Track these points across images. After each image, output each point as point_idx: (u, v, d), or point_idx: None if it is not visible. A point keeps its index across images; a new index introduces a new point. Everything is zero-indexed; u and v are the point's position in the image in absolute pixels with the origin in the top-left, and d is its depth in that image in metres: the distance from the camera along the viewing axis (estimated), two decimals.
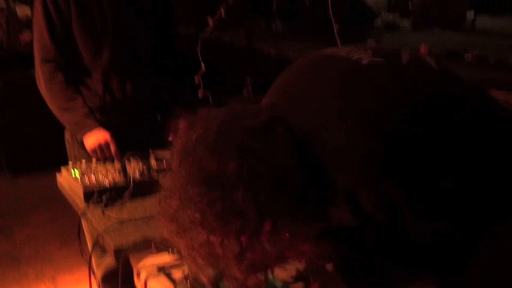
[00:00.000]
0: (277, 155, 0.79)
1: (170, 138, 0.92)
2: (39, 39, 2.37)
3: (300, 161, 0.81)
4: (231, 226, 0.80)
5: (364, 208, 0.79)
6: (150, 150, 2.30)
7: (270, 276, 1.31)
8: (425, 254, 0.81)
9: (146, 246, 1.71)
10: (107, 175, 2.09)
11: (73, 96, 2.37)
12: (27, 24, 5.33)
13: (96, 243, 1.83)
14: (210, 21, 2.92)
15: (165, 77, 2.57)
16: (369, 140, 0.78)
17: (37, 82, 2.42)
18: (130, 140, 2.41)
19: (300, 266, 1.32)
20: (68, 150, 2.53)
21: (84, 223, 2.13)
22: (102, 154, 2.32)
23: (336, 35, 2.91)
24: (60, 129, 2.50)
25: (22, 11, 5.32)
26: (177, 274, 1.51)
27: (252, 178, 0.78)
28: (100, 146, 2.33)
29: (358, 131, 0.78)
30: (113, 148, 2.32)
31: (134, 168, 2.14)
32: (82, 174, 2.10)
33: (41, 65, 2.37)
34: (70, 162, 2.23)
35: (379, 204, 0.78)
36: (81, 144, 2.39)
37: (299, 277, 1.35)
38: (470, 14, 4.49)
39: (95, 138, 2.33)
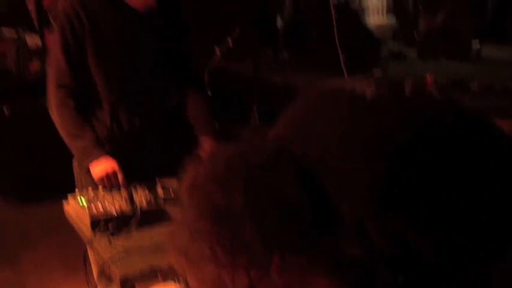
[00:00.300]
0: (282, 188, 0.80)
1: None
2: (54, 64, 2.40)
3: (306, 193, 0.81)
4: (240, 260, 0.81)
5: (371, 238, 0.79)
6: (157, 179, 2.31)
7: None
8: (436, 286, 0.81)
9: (153, 276, 1.71)
10: (113, 203, 2.09)
11: (82, 124, 2.39)
12: (37, 53, 5.40)
13: (102, 273, 1.83)
14: (218, 51, 2.95)
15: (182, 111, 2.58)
16: (372, 165, 0.79)
17: (48, 107, 2.44)
18: (138, 170, 2.42)
19: None
20: (75, 177, 2.54)
21: (90, 252, 2.13)
22: (109, 183, 2.33)
23: (342, 65, 2.94)
24: (68, 158, 2.52)
25: (32, 40, 5.39)
26: None
27: (258, 213, 0.79)
28: (107, 175, 2.33)
29: (360, 156, 0.79)
30: (120, 177, 2.33)
31: (141, 197, 2.14)
32: (89, 203, 2.11)
33: (54, 89, 2.40)
34: (77, 190, 2.24)
35: (385, 234, 0.78)
36: (88, 172, 2.41)
37: None
38: (475, 43, 4.52)
39: (102, 166, 2.34)
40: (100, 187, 2.25)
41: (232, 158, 0.84)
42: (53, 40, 2.41)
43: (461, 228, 0.81)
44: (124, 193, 2.17)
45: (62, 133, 2.40)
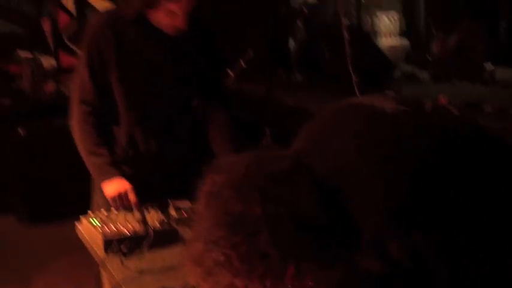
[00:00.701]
0: (298, 200, 0.80)
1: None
2: (79, 80, 2.43)
3: (322, 205, 0.81)
4: (255, 269, 0.81)
5: (389, 253, 0.78)
6: (169, 200, 2.32)
7: None
8: None
9: None
10: (126, 225, 2.10)
11: (100, 142, 2.41)
12: (52, 74, 5.46)
13: None
14: (231, 73, 2.97)
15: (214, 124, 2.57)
16: (391, 179, 0.78)
17: (70, 122, 2.46)
18: (151, 192, 2.43)
19: None
20: (92, 197, 2.55)
21: (103, 272, 2.13)
22: (121, 203, 2.34)
23: (355, 87, 2.94)
24: (81, 179, 2.53)
25: (47, 61, 5.45)
26: None
27: (275, 222, 0.80)
28: (119, 195, 2.34)
29: (380, 170, 0.79)
30: (132, 198, 2.33)
31: (153, 218, 2.15)
32: (102, 223, 2.11)
33: (77, 105, 2.42)
34: (89, 212, 2.25)
35: (405, 249, 0.78)
36: (102, 190, 2.42)
37: None
38: (489, 66, 4.52)
39: (115, 187, 2.36)
40: (112, 209, 2.26)
41: (249, 166, 0.84)
42: (80, 58, 2.43)
43: (479, 249, 0.79)
44: (137, 214, 2.18)
45: (80, 148, 2.43)
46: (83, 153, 2.42)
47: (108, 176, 2.37)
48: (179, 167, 2.53)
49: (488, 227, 0.80)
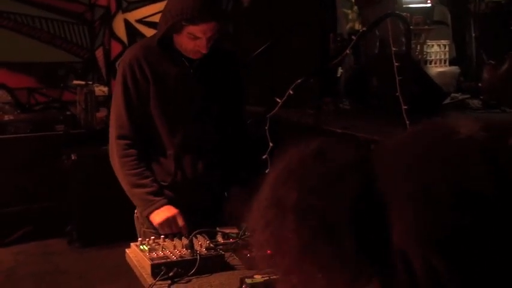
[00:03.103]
0: (336, 200, 0.81)
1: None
2: (117, 116, 2.46)
3: (357, 214, 0.80)
4: (278, 250, 0.86)
5: (413, 271, 0.76)
6: (218, 228, 2.32)
7: None
8: None
9: None
10: (173, 250, 2.11)
11: (144, 174, 2.42)
12: (104, 102, 5.60)
13: None
14: (278, 99, 2.98)
15: (234, 156, 2.60)
16: (430, 211, 0.76)
17: (110, 157, 2.49)
18: (199, 217, 2.44)
19: None
20: (136, 227, 2.57)
21: None
22: (170, 229, 2.35)
23: (404, 115, 2.91)
24: (129, 205, 2.56)
25: (100, 89, 5.60)
26: None
27: (305, 213, 0.81)
28: (168, 221, 2.36)
29: (422, 200, 0.77)
30: (180, 223, 2.35)
31: (201, 245, 2.16)
32: (150, 250, 2.13)
33: (116, 140, 2.44)
34: (139, 239, 2.27)
35: (426, 270, 0.75)
36: (149, 222, 2.44)
37: None
38: None
39: (164, 214, 2.37)
40: (162, 236, 2.28)
41: (307, 153, 0.88)
42: (116, 92, 2.48)
43: None
44: (184, 241, 2.19)
45: (123, 183, 2.45)
46: (126, 187, 2.44)
47: (155, 207, 2.39)
48: (225, 188, 2.56)
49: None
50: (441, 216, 0.75)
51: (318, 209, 0.81)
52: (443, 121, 0.85)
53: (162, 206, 2.39)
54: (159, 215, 2.38)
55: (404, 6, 5.33)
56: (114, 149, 2.45)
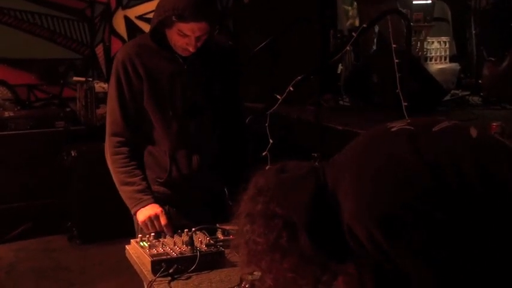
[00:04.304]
0: (292, 204, 0.92)
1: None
2: (111, 114, 2.48)
3: (313, 213, 0.91)
4: (253, 254, 0.98)
5: (361, 242, 0.87)
6: (217, 225, 2.32)
7: None
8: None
9: None
10: (173, 247, 2.11)
11: (133, 172, 2.44)
12: (104, 99, 5.59)
13: None
14: (278, 96, 2.97)
15: (230, 150, 2.59)
16: (367, 190, 0.86)
17: (105, 153, 2.51)
18: (197, 213, 2.44)
19: None
20: (135, 224, 2.57)
21: None
22: (153, 227, 2.36)
23: (404, 112, 2.90)
24: None
25: (100, 86, 5.59)
26: None
27: (270, 219, 0.94)
28: (150, 219, 2.37)
29: (361, 183, 0.88)
30: (163, 222, 2.35)
31: (201, 241, 2.15)
32: (150, 246, 2.13)
33: (109, 138, 2.47)
34: (139, 236, 2.27)
35: (369, 240, 0.85)
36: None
37: None
38: None
39: (147, 212, 2.39)
40: (162, 233, 2.27)
41: (271, 171, 1.02)
42: (110, 90, 2.48)
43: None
44: (185, 237, 2.19)
45: (115, 180, 2.47)
46: (117, 184, 2.46)
47: (141, 205, 2.40)
48: (223, 184, 2.56)
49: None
50: (376, 193, 0.85)
51: (279, 213, 0.92)
52: (382, 124, 0.99)
53: (147, 204, 2.40)
54: (143, 213, 2.39)
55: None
56: (107, 147, 2.48)
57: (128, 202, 2.46)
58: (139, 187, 2.42)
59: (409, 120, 0.97)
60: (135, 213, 2.43)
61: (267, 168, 1.09)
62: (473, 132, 0.89)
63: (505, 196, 0.83)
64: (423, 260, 0.82)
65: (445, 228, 0.81)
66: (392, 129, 0.93)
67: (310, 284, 0.95)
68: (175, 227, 2.34)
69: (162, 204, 2.44)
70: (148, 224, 2.37)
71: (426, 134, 0.93)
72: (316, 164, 1.05)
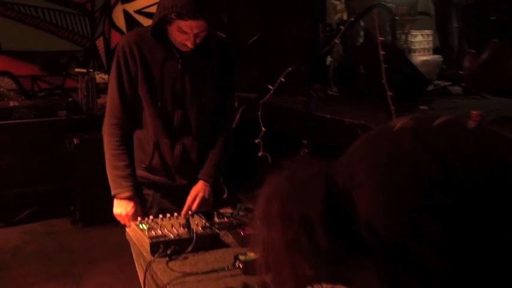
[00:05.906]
0: (307, 203, 0.89)
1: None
2: (110, 95, 2.51)
3: (329, 198, 0.88)
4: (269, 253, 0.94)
5: (378, 237, 0.83)
6: (214, 211, 2.34)
7: None
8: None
9: None
10: (171, 229, 2.12)
11: (121, 157, 2.45)
12: (104, 89, 5.58)
13: None
14: (270, 87, 2.97)
15: (219, 137, 2.58)
16: (379, 186, 0.84)
17: (102, 132, 2.53)
18: (180, 200, 2.46)
19: None
20: None
21: (147, 275, 2.15)
22: (122, 222, 2.45)
23: (389, 101, 2.91)
24: None
25: (100, 77, 5.57)
26: None
27: (287, 219, 0.91)
28: (120, 217, 2.45)
29: (376, 179, 0.85)
30: (127, 223, 2.40)
31: (197, 224, 2.17)
32: (149, 228, 2.14)
33: (107, 118, 2.50)
34: (139, 218, 2.28)
35: (388, 236, 0.81)
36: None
37: None
38: None
39: (118, 209, 2.44)
40: (160, 216, 2.28)
41: (282, 176, 0.96)
42: (111, 73, 2.50)
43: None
44: (182, 220, 2.20)
45: (105, 159, 2.49)
46: (106, 165, 2.48)
47: (120, 192, 2.43)
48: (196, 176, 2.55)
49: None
50: (390, 190, 0.82)
51: (294, 213, 0.90)
52: (384, 123, 0.97)
53: (123, 198, 2.43)
54: (116, 207, 2.45)
55: None
56: (105, 126, 2.50)
57: (110, 184, 2.49)
58: (122, 173, 2.44)
59: (410, 117, 0.95)
60: (113, 196, 2.46)
61: (277, 173, 1.06)
62: (471, 123, 0.90)
63: (506, 181, 0.83)
64: (444, 253, 0.81)
65: (458, 217, 0.81)
66: (396, 127, 0.92)
67: (329, 281, 0.94)
68: (159, 211, 2.38)
69: (146, 188, 2.50)
70: (119, 219, 2.45)
71: (428, 128, 0.92)
72: (324, 163, 1.03)
